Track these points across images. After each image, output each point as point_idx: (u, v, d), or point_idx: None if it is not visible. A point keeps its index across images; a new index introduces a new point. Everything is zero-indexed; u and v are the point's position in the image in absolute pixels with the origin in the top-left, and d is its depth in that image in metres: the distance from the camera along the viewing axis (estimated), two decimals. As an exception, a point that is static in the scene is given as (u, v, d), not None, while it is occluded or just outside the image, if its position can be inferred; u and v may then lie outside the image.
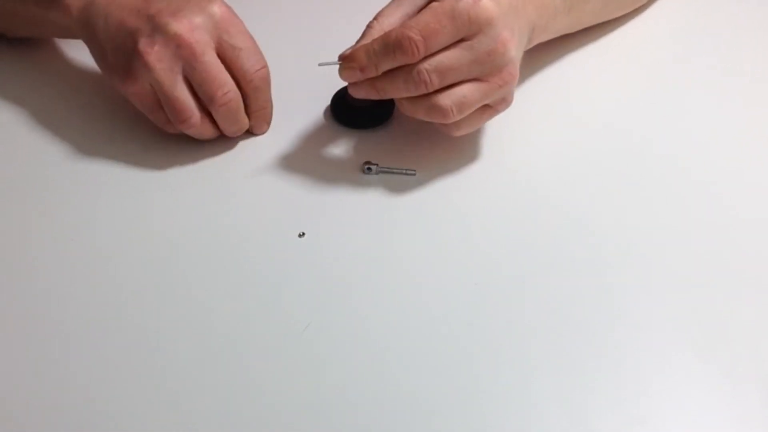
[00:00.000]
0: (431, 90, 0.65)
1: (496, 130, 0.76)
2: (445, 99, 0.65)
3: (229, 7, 0.70)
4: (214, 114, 0.71)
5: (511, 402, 0.59)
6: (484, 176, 0.73)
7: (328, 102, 0.77)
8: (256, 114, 0.74)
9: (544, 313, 0.63)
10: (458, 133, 0.69)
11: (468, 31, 0.64)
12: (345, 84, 0.77)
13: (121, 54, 0.70)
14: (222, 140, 0.75)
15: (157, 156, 0.74)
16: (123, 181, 0.72)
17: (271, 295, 0.65)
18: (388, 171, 0.73)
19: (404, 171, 0.72)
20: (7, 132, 0.77)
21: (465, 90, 0.65)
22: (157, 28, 0.68)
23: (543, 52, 0.82)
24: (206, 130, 0.72)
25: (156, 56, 0.68)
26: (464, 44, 0.64)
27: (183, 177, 0.73)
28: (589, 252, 0.67)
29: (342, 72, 0.67)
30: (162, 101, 0.70)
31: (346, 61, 0.67)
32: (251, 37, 0.71)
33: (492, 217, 0.70)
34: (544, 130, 0.77)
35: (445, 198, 0.71)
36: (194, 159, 0.74)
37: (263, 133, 0.76)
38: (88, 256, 0.67)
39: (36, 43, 0.83)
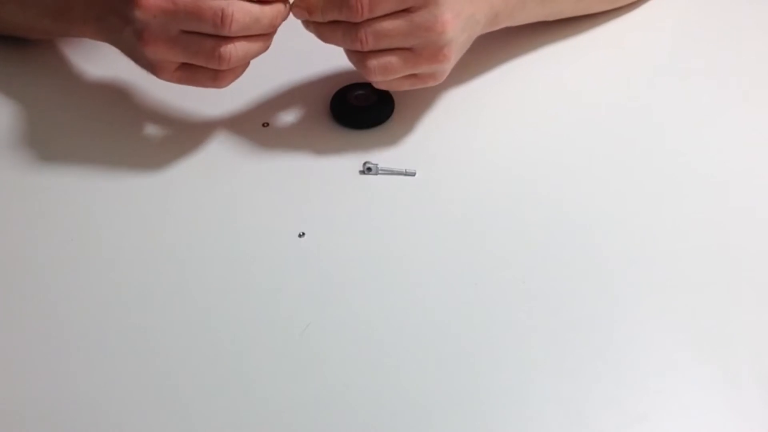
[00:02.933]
0: (365, 50, 0.68)
1: (496, 129, 0.76)
2: (372, 60, 0.68)
3: None
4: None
5: (510, 400, 0.59)
6: (484, 176, 0.73)
7: (328, 102, 0.77)
8: None
9: (543, 312, 0.63)
10: (374, 82, 0.70)
11: (413, 2, 0.66)
12: (345, 84, 0.78)
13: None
14: (221, 140, 0.75)
15: (157, 156, 0.74)
16: (122, 181, 0.72)
17: (271, 295, 0.65)
18: (388, 171, 0.73)
19: (404, 171, 0.73)
20: (6, 132, 0.77)
21: (393, 58, 0.68)
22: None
23: (542, 52, 0.82)
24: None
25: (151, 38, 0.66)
26: (405, 14, 0.67)
27: (183, 177, 0.73)
28: (589, 251, 0.67)
29: (294, 9, 0.69)
30: (187, 20, 0.65)
31: (300, 1, 0.68)
32: None
33: (492, 217, 0.70)
34: (544, 130, 0.77)
35: (445, 198, 0.71)
36: (194, 159, 0.74)
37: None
38: (88, 256, 0.67)
39: (35, 45, 0.83)
